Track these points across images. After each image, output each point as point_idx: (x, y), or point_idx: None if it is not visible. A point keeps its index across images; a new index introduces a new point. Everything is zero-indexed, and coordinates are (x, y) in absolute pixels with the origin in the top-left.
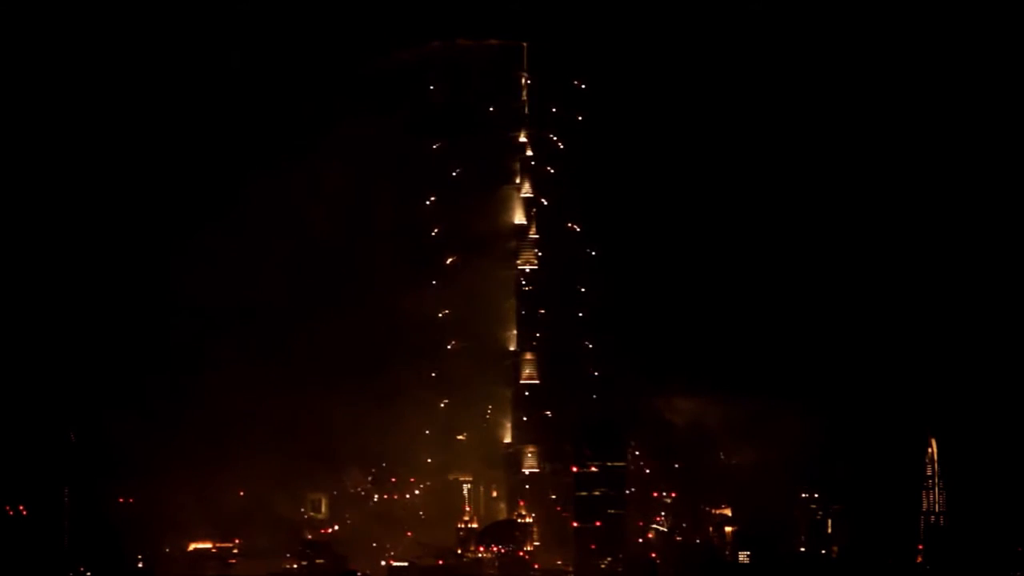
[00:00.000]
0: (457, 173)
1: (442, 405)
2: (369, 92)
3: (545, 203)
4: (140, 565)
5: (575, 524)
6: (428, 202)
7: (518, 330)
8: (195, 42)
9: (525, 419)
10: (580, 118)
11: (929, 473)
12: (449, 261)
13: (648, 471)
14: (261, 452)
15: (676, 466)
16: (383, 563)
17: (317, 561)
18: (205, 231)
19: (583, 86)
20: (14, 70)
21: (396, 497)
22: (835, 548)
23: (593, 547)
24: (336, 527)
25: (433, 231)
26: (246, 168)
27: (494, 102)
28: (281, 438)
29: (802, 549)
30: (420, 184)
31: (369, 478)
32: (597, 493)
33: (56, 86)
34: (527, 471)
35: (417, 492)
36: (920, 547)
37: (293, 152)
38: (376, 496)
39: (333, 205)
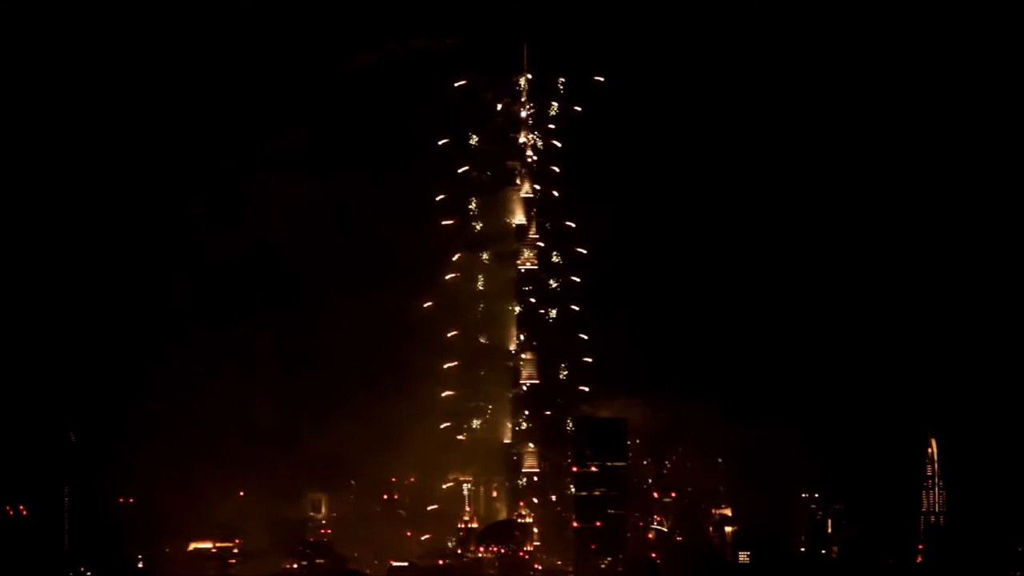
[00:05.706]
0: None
1: (441, 406)
2: (333, 97)
3: (540, 204)
4: (140, 565)
5: (575, 524)
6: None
7: (518, 330)
8: (164, 46)
9: (525, 419)
10: (570, 120)
11: (929, 473)
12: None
13: (648, 471)
14: (260, 452)
15: (676, 466)
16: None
17: (317, 561)
18: (200, 231)
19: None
20: None
21: (396, 497)
22: (835, 548)
23: (593, 547)
24: (337, 525)
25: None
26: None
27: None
28: (280, 439)
29: (802, 549)
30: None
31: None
32: (597, 493)
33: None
34: (527, 471)
35: (416, 492)
36: (920, 547)
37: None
38: (375, 496)
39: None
